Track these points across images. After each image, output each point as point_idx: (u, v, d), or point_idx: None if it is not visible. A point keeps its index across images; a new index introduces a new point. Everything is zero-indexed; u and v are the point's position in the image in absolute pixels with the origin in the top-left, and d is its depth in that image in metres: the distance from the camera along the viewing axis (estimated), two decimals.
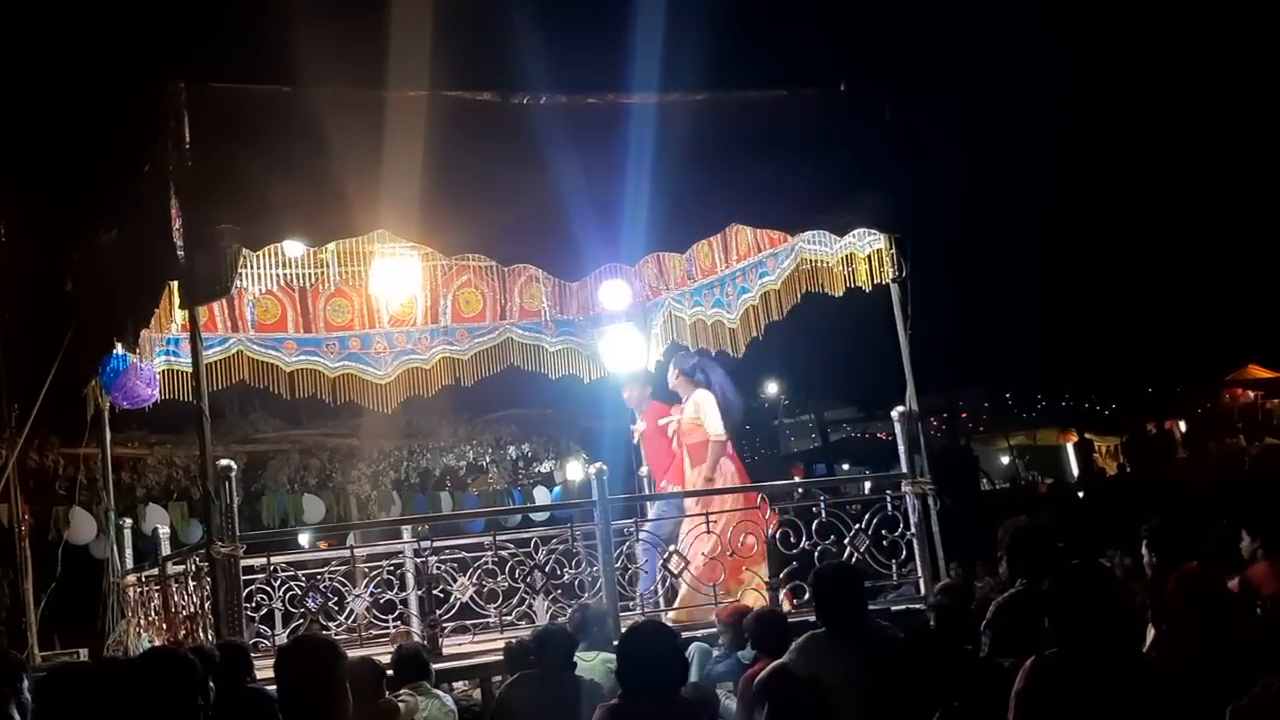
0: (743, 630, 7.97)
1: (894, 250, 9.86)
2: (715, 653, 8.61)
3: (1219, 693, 4.93)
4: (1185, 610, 6.20)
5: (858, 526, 9.69)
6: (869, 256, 10.02)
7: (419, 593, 9.58)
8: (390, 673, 7.56)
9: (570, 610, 8.65)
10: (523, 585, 9.46)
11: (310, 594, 9.09)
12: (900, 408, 10.00)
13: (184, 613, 9.22)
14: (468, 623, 9.69)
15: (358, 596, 9.21)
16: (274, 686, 5.59)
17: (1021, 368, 40.82)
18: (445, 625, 9.17)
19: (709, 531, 9.64)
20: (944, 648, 6.89)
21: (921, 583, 9.65)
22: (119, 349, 9.92)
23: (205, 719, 5.19)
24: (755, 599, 9.28)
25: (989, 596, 7.62)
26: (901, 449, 9.95)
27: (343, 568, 9.60)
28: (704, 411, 10.58)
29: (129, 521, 12.18)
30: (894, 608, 9.28)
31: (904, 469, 9.90)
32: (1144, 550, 7.12)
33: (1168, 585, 6.42)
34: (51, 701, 5.52)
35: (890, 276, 9.91)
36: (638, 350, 12.29)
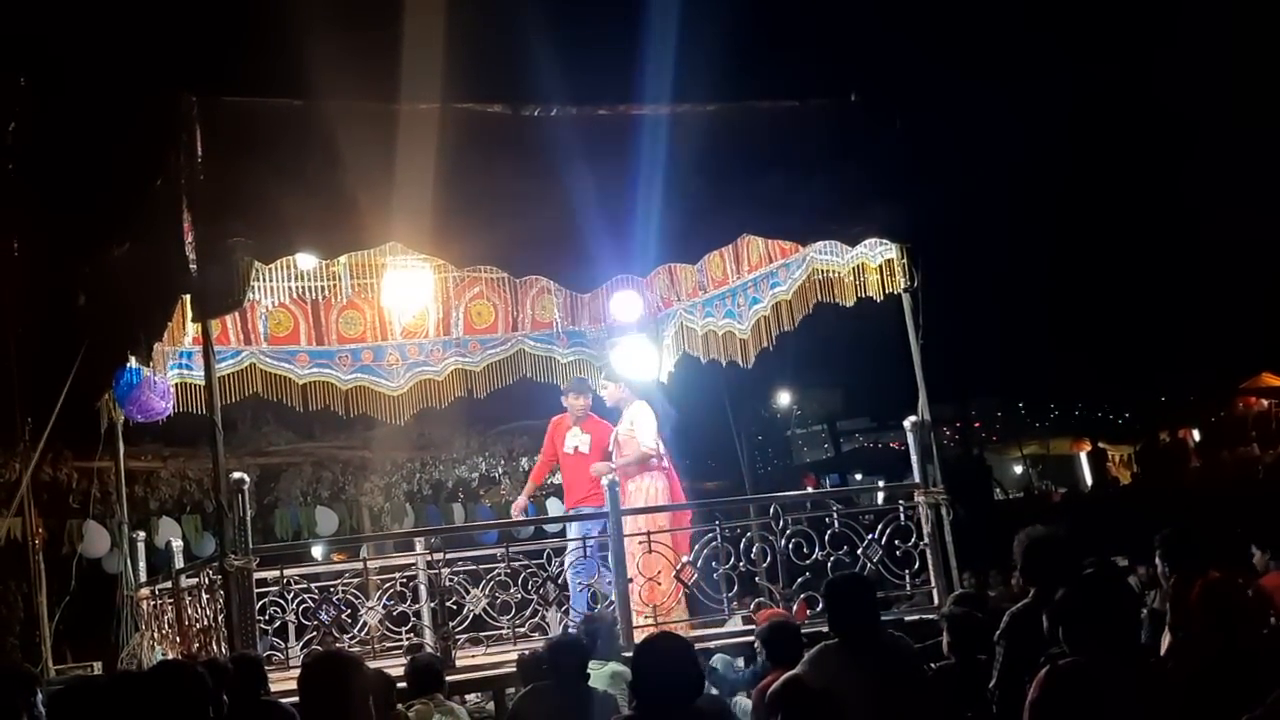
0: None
1: (905, 260, 9.86)
2: (738, 662, 8.61)
3: (1233, 701, 4.91)
4: (1206, 618, 6.19)
5: (871, 536, 9.68)
6: (880, 266, 10.02)
7: (432, 605, 9.57)
8: (403, 685, 7.56)
9: (579, 622, 8.63)
10: (536, 597, 9.46)
11: (323, 606, 9.09)
12: (913, 417, 9.99)
13: (197, 626, 9.23)
14: (481, 634, 9.69)
15: (370, 609, 9.21)
16: (288, 699, 5.60)
17: (1034, 377, 40.64)
18: (458, 637, 9.17)
19: (650, 551, 9.58)
20: (958, 658, 6.88)
21: (935, 593, 9.63)
22: (132, 362, 9.94)
23: None
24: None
25: (1002, 606, 7.59)
26: (914, 459, 9.94)
27: (355, 580, 9.60)
28: (639, 424, 10.54)
29: (142, 535, 12.20)
30: (907, 618, 9.26)
31: (917, 479, 9.89)
32: (1157, 560, 7.11)
33: (1191, 593, 6.41)
34: (64, 715, 5.53)
35: (902, 286, 9.92)
36: (649, 361, 12.30)
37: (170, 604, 10.16)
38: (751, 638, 8.56)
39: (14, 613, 14.09)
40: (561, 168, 8.86)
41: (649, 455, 10.46)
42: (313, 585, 9.30)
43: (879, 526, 9.76)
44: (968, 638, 6.88)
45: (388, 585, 9.55)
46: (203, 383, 9.27)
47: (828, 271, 10.46)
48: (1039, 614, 5.57)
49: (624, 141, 9.21)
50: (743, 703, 7.57)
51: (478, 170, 8.85)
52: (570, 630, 8.59)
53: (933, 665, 7.03)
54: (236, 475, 8.46)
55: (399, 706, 7.23)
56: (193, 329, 9.12)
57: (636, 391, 10.78)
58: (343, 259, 10.35)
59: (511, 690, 8.49)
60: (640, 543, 9.53)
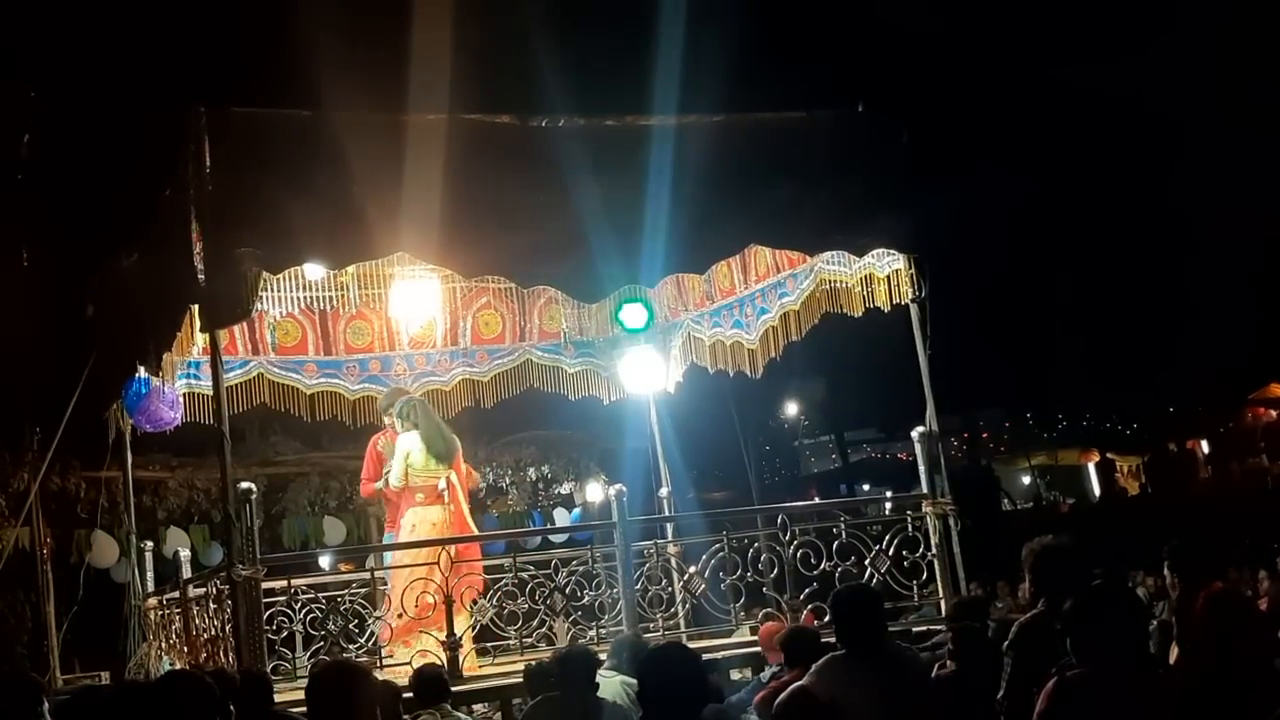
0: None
1: (913, 270, 9.84)
2: (736, 675, 8.60)
3: (1240, 713, 4.90)
4: (1211, 629, 6.18)
5: (878, 547, 9.67)
6: (888, 277, 10.00)
7: None
8: (409, 695, 7.55)
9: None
10: (543, 607, 9.46)
11: (330, 616, 9.08)
12: (920, 428, 9.97)
13: (205, 635, 9.23)
14: (488, 645, 9.69)
15: (378, 619, 9.21)
16: (296, 710, 5.60)
17: (1042, 387, 40.67)
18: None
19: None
20: (960, 667, 6.87)
21: (942, 604, 9.62)
22: (141, 372, 9.96)
23: None
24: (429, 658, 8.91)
25: (1009, 618, 7.58)
26: (922, 469, 9.93)
27: (363, 590, 9.60)
28: (395, 459, 10.39)
29: (150, 544, 12.21)
30: (915, 629, 9.25)
31: (924, 489, 9.88)
32: (1165, 571, 7.09)
33: (1195, 604, 6.40)
34: None
35: (909, 297, 9.90)
36: (657, 371, 12.30)
37: (178, 614, 10.16)
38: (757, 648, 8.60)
39: (22, 622, 14.12)
40: (569, 178, 8.87)
41: (395, 492, 10.35)
42: (320, 595, 9.31)
43: (886, 537, 9.75)
44: (972, 648, 6.87)
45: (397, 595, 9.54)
46: (211, 393, 9.29)
47: (835, 282, 10.44)
48: (1048, 625, 5.56)
49: (631, 152, 9.20)
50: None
51: (485, 181, 8.85)
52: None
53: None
54: (244, 485, 8.47)
55: (405, 717, 7.22)
56: (201, 339, 9.12)
57: (408, 425, 10.45)
58: (351, 269, 10.35)
59: (518, 701, 8.49)
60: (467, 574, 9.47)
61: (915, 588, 9.76)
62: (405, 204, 8.43)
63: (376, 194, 8.41)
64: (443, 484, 10.22)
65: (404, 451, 10.29)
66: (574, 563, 9.83)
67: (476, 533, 9.95)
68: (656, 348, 12.39)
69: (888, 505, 11.55)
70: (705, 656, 7.10)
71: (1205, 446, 42.45)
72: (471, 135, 9.03)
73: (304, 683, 5.71)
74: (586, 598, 9.62)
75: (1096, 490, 43.39)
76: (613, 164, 9.09)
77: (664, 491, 12.25)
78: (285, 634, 9.25)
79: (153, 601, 11.28)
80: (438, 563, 9.18)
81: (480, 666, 9.57)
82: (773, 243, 10.29)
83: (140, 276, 9.81)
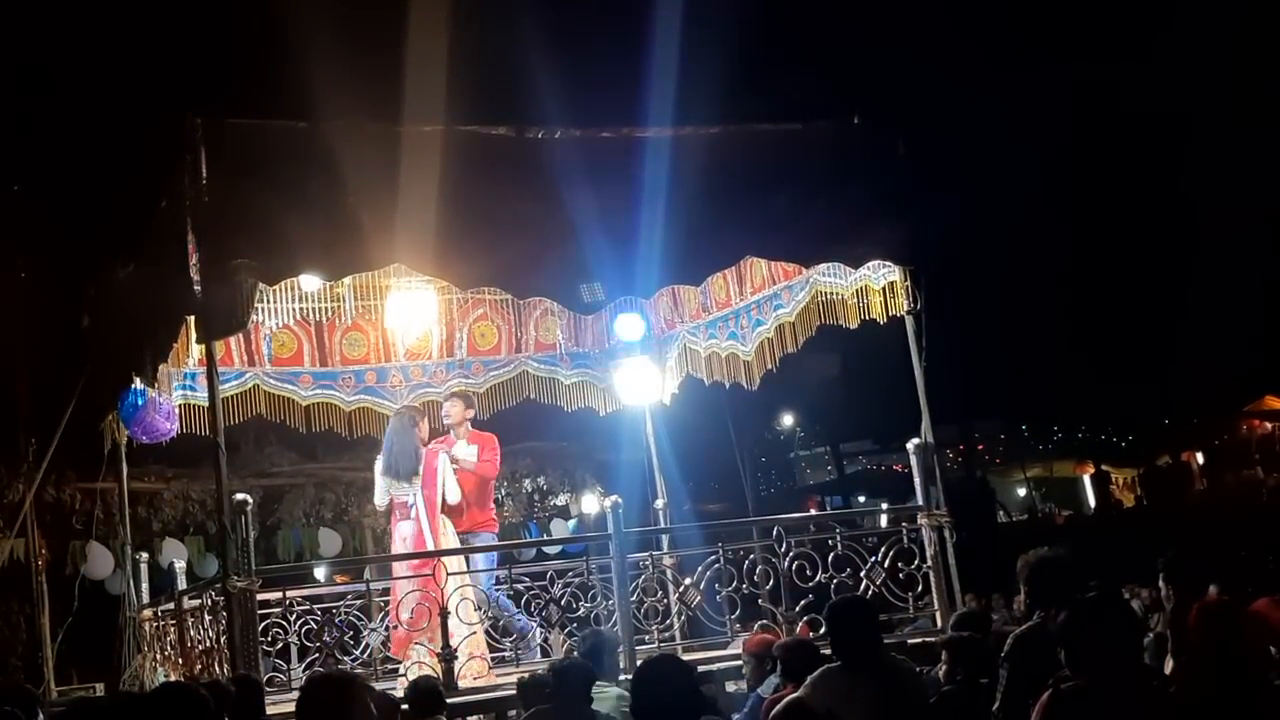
0: (765, 662, 7.95)
1: (908, 282, 9.85)
2: (732, 688, 8.58)
3: None
4: (1205, 642, 6.17)
5: (874, 559, 9.66)
6: (883, 289, 10.02)
7: None
8: (405, 707, 7.54)
9: (582, 635, 8.54)
10: (538, 619, 9.44)
11: (326, 628, 9.07)
12: (916, 440, 9.97)
13: (200, 647, 9.21)
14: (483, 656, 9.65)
15: (373, 630, 9.20)
16: None
17: (1038, 400, 40.64)
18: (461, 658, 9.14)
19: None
20: (960, 682, 6.86)
21: (938, 615, 9.61)
22: (137, 383, 9.95)
23: None
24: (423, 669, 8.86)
25: (1004, 630, 7.57)
26: (917, 481, 9.92)
27: (358, 601, 9.59)
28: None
29: (145, 556, 12.19)
30: (910, 641, 9.24)
31: (920, 501, 9.87)
32: (1160, 583, 7.10)
33: (1190, 616, 6.40)
34: None
35: (905, 308, 9.91)
36: (653, 383, 12.30)
37: (173, 625, 10.15)
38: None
39: (17, 634, 14.11)
40: (565, 190, 8.87)
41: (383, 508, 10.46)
42: (315, 607, 9.30)
43: (882, 549, 9.73)
44: (969, 661, 6.86)
45: (390, 607, 9.54)
46: (206, 404, 9.27)
47: (831, 293, 10.45)
48: (1043, 636, 5.56)
49: (627, 164, 9.22)
50: None
51: (481, 192, 8.86)
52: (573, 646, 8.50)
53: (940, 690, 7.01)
54: (240, 496, 8.45)
55: None
56: (197, 350, 9.13)
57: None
58: (347, 281, 10.35)
59: (513, 713, 8.47)
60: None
61: (910, 600, 9.75)
62: (401, 215, 8.44)
63: (372, 205, 8.42)
64: (410, 499, 10.21)
65: (379, 469, 10.35)
66: (569, 574, 9.82)
67: (431, 549, 9.87)
68: (652, 359, 12.39)
69: (883, 517, 11.53)
70: (701, 668, 7.11)
71: (1200, 458, 42.47)
72: (467, 146, 9.04)
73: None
74: (582, 609, 9.61)
75: (1092, 502, 43.38)
76: (609, 176, 9.10)
77: (660, 503, 12.24)
78: (280, 645, 9.24)
79: (148, 613, 11.26)
80: (405, 577, 9.35)
81: (477, 677, 9.56)
82: (769, 254, 10.30)
83: (136, 288, 9.80)
